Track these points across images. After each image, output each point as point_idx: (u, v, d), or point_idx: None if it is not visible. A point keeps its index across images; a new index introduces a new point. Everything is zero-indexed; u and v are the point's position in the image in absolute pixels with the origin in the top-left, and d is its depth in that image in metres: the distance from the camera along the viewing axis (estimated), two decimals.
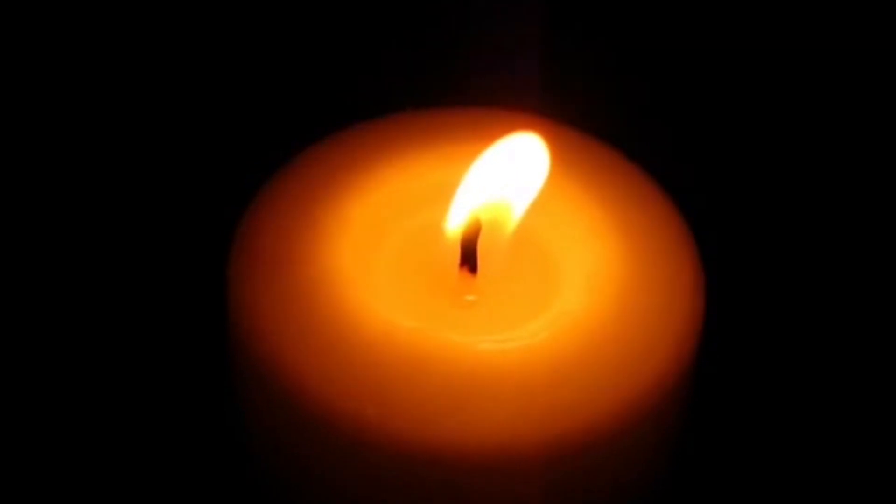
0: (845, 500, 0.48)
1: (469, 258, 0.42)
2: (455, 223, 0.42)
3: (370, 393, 0.38)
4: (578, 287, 0.41)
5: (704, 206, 0.47)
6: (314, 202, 0.42)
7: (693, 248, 0.43)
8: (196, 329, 0.49)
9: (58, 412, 0.48)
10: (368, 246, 0.42)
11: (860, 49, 0.56)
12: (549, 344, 0.40)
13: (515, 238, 0.43)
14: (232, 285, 0.41)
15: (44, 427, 0.48)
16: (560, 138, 0.44)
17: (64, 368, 0.49)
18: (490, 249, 0.42)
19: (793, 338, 0.51)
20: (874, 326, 0.52)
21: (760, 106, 0.56)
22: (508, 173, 0.42)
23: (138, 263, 0.52)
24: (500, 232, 0.42)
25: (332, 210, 0.42)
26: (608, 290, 0.41)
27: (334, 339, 0.39)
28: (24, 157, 0.54)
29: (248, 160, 0.48)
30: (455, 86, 0.53)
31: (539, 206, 0.43)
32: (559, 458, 0.38)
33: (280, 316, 0.40)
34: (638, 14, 0.58)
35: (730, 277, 0.48)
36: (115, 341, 0.50)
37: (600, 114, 0.47)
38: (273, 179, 0.43)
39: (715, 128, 0.56)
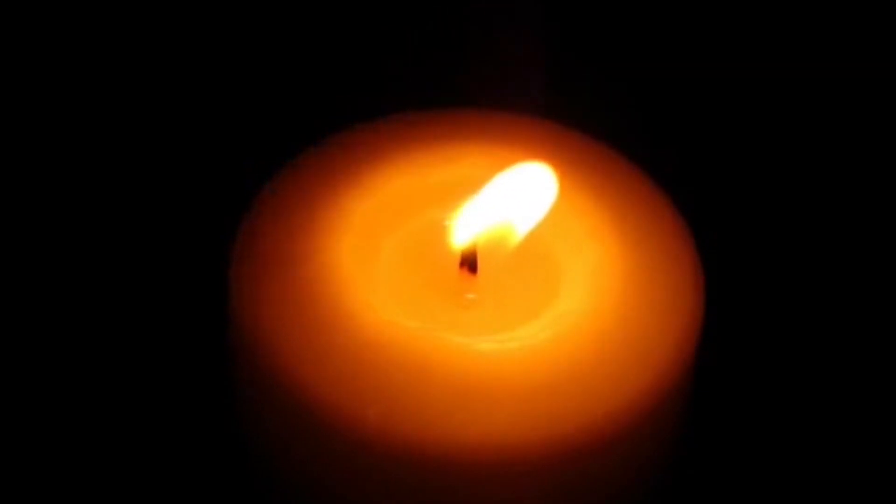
0: (845, 500, 0.48)
1: (469, 258, 0.42)
2: (460, 239, 0.42)
3: (370, 393, 0.38)
4: (579, 287, 0.41)
5: (704, 207, 0.47)
6: (314, 202, 0.42)
7: (693, 248, 0.43)
8: (196, 329, 0.49)
9: (58, 412, 0.48)
10: (369, 246, 0.42)
11: (858, 45, 0.56)
12: (549, 344, 0.40)
13: (514, 248, 0.43)
14: (233, 286, 0.41)
15: (44, 427, 0.48)
16: (560, 139, 0.44)
17: (64, 369, 0.49)
18: (490, 256, 0.42)
19: (793, 337, 0.51)
20: (874, 326, 0.52)
21: (760, 106, 0.56)
22: (516, 199, 0.42)
23: (139, 264, 0.52)
24: (502, 250, 0.42)
25: (332, 210, 0.42)
26: (608, 290, 0.41)
27: (334, 339, 0.39)
28: (24, 158, 0.54)
29: (249, 160, 0.48)
30: (455, 86, 0.53)
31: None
32: (559, 458, 0.38)
33: (280, 316, 0.40)
34: (636, 12, 0.58)
35: (730, 278, 0.48)
36: (115, 341, 0.50)
37: (601, 115, 0.47)
38: (273, 179, 0.43)
39: (715, 128, 0.56)
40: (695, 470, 0.47)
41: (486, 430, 0.38)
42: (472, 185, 0.43)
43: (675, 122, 0.56)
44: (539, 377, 0.39)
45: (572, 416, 0.38)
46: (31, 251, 0.52)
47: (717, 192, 0.54)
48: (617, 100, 0.55)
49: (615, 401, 0.39)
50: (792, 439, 0.49)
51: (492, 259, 0.42)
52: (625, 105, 0.55)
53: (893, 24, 0.56)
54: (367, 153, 0.44)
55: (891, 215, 0.54)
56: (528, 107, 0.45)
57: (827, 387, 0.50)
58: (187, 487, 0.47)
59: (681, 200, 0.44)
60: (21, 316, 0.50)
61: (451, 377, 0.39)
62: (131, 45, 0.56)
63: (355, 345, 0.39)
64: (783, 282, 0.53)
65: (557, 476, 0.39)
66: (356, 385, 0.38)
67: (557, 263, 0.43)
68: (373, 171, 0.43)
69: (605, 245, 0.42)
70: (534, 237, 0.43)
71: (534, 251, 0.43)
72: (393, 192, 0.43)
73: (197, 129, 0.55)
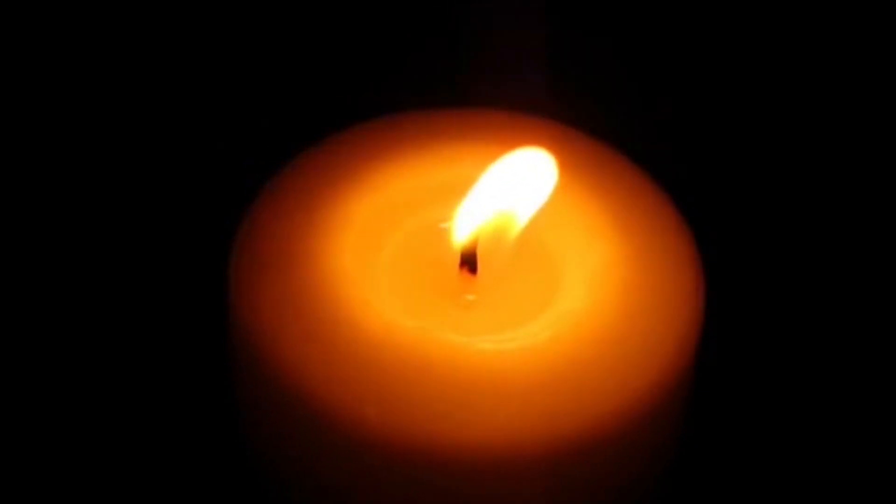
0: (845, 500, 0.48)
1: (469, 258, 0.42)
2: (460, 234, 0.42)
3: (370, 392, 0.38)
4: (579, 287, 0.41)
5: (704, 207, 0.47)
6: (315, 202, 0.42)
7: (693, 248, 0.43)
8: (196, 329, 0.49)
9: (58, 412, 0.48)
10: (369, 246, 0.42)
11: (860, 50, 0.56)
12: (549, 344, 0.40)
13: (516, 239, 0.43)
14: (232, 285, 0.41)
15: (44, 427, 0.48)
16: (561, 139, 0.44)
17: (64, 368, 0.49)
18: (491, 250, 0.42)
19: (793, 338, 0.51)
20: (874, 326, 0.52)
21: (760, 106, 0.56)
22: (515, 186, 0.42)
23: (139, 263, 0.52)
24: (503, 241, 0.42)
25: (332, 210, 0.42)
26: (609, 290, 0.41)
27: (335, 338, 0.39)
28: (24, 158, 0.54)
29: (249, 160, 0.48)
30: (455, 86, 0.53)
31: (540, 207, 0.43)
32: (559, 458, 0.38)
33: (280, 316, 0.40)
34: (638, 14, 0.58)
35: (730, 278, 0.48)
36: (115, 341, 0.50)
37: (602, 115, 0.47)
38: (273, 179, 0.43)
39: (715, 129, 0.56)
40: (694, 469, 0.47)
41: (486, 430, 0.38)
42: (472, 186, 0.43)
43: (676, 122, 0.56)
44: (539, 377, 0.39)
45: (572, 416, 0.38)
46: (30, 251, 0.52)
47: (717, 192, 0.54)
48: (618, 99, 0.55)
49: (615, 400, 0.39)
50: (792, 439, 0.49)
51: (494, 251, 0.42)
52: (626, 105, 0.55)
53: (893, 26, 0.56)
54: (367, 153, 0.44)
55: (891, 216, 0.54)
56: (528, 106, 0.45)
57: (827, 387, 0.50)
58: (188, 487, 0.47)
59: (681, 200, 0.44)
60: (21, 316, 0.50)
61: (451, 377, 0.39)
62: (131, 44, 0.56)
63: (355, 344, 0.39)
64: (783, 281, 0.53)
65: (557, 475, 0.39)
66: (356, 384, 0.38)
67: (557, 263, 0.43)
68: (373, 171, 0.43)
69: (604, 244, 0.42)
70: (534, 237, 0.43)
71: (534, 251, 0.43)
72: (393, 192, 0.43)
73: (197, 129, 0.55)
